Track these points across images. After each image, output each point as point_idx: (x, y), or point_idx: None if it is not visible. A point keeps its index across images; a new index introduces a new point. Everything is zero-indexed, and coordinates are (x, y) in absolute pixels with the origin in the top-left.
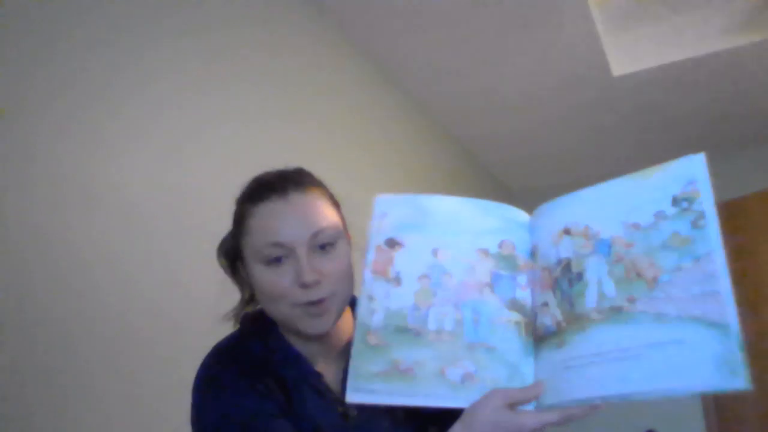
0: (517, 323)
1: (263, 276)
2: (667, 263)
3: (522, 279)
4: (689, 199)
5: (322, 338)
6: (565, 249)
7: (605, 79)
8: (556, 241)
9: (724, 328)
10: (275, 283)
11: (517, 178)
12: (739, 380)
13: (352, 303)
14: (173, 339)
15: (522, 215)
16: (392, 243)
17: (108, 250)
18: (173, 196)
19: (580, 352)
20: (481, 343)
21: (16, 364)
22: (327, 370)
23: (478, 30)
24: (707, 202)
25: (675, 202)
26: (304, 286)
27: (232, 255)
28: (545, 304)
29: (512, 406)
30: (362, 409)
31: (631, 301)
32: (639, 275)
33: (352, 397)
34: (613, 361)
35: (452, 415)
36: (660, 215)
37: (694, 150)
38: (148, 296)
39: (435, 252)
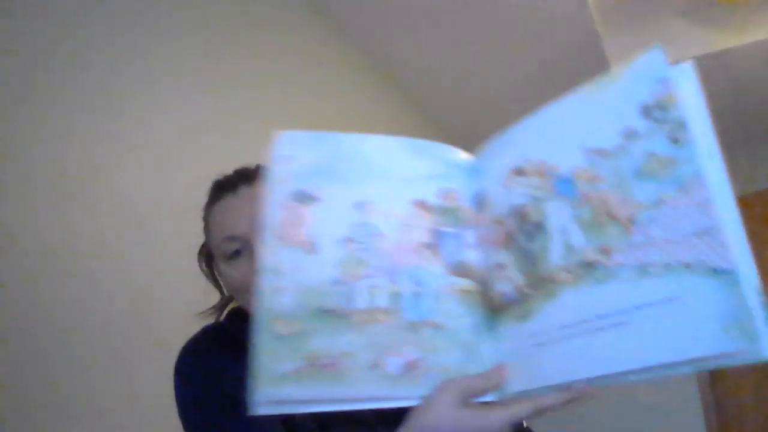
0: (468, 292)
1: (226, 271)
2: (645, 196)
3: (470, 236)
4: (663, 106)
5: None
6: (519, 193)
7: None
8: (507, 185)
9: (729, 276)
10: (236, 276)
11: None
12: (756, 344)
13: None
14: (173, 339)
15: (463, 156)
16: (303, 197)
17: (106, 250)
18: (173, 195)
19: (550, 324)
20: (425, 321)
21: (15, 365)
22: None
23: (477, 31)
24: (688, 106)
25: (645, 112)
26: None
27: (207, 260)
28: (501, 266)
29: (471, 398)
30: None
31: (606, 252)
32: (612, 216)
33: (259, 408)
34: (592, 333)
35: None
36: (629, 133)
37: None
38: (148, 296)
39: (360, 207)
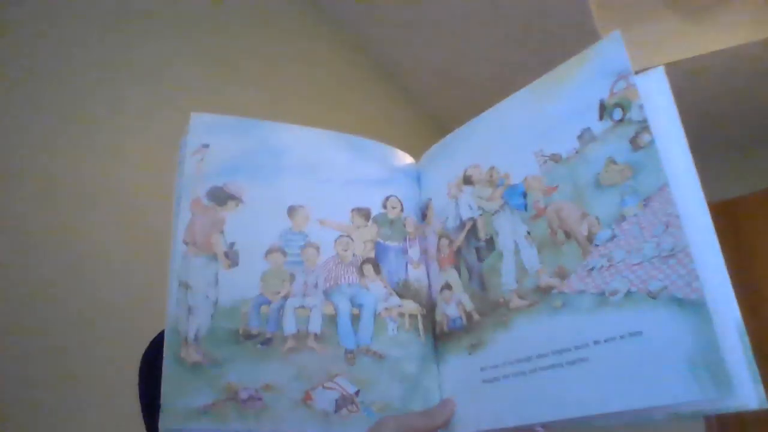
0: (412, 317)
1: None
2: (604, 211)
3: (414, 252)
4: (624, 104)
5: None
6: (467, 205)
7: None
8: (454, 195)
9: (697, 307)
10: None
11: None
12: (730, 391)
13: None
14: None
15: (408, 160)
16: (221, 196)
17: (104, 250)
18: (168, 194)
19: (502, 358)
20: (362, 350)
21: (12, 366)
22: None
23: (477, 32)
24: (656, 111)
25: (603, 110)
26: None
27: None
28: (447, 287)
29: None
30: None
31: (563, 275)
32: (568, 234)
33: None
34: (547, 370)
35: None
36: (586, 135)
37: (694, 151)
38: (147, 297)
39: (291, 212)
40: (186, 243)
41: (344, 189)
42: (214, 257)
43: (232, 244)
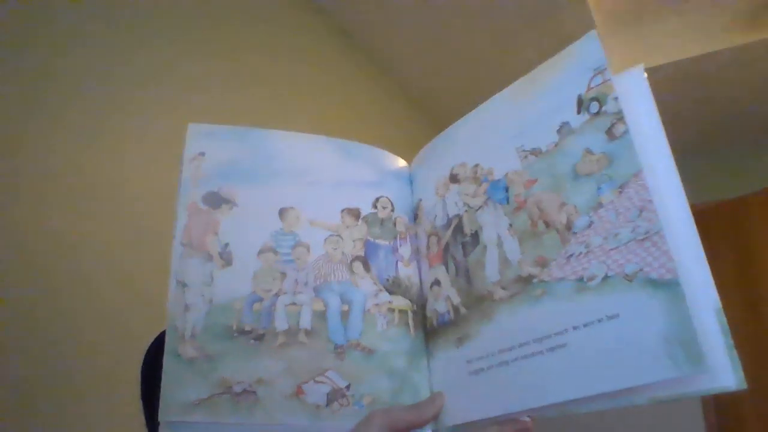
0: (401, 312)
1: None
2: (581, 199)
3: (405, 250)
4: (600, 98)
5: None
6: (454, 203)
7: None
8: (442, 194)
9: (671, 288)
10: None
11: None
12: (704, 369)
13: None
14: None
15: (399, 162)
16: (215, 200)
17: (101, 250)
18: (169, 194)
19: (487, 349)
20: (352, 345)
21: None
22: None
23: (476, 32)
24: (625, 97)
25: (581, 105)
26: None
27: None
28: (436, 283)
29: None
30: None
31: (543, 264)
32: (548, 224)
33: None
34: (529, 358)
35: None
36: (565, 129)
37: (694, 150)
38: (145, 297)
39: (282, 213)
40: (183, 244)
41: (335, 190)
42: (209, 257)
43: (226, 245)
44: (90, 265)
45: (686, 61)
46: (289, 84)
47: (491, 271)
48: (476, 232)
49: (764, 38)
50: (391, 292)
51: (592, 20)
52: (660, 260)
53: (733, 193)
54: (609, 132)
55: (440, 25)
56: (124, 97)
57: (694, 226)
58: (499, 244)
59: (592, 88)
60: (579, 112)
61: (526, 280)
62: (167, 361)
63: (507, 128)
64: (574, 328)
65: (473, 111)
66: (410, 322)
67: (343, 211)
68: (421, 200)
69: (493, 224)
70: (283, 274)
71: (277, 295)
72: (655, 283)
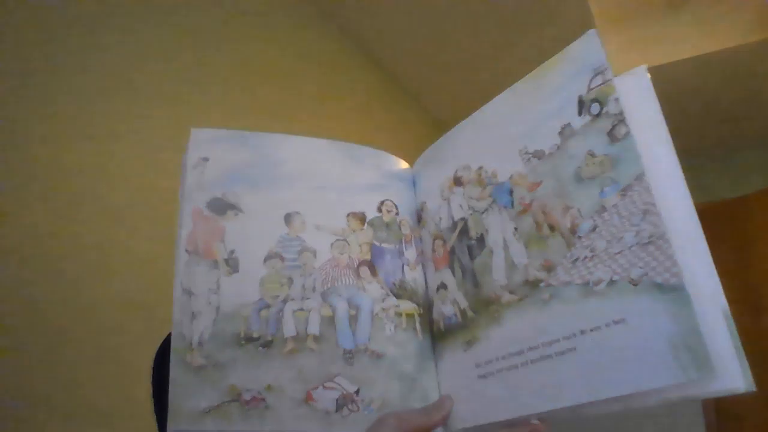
0: (409, 316)
1: None
2: (585, 202)
3: (410, 253)
4: (601, 99)
5: None
6: (458, 206)
7: None
8: (446, 196)
9: (677, 292)
10: None
11: None
12: (711, 373)
13: None
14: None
15: (403, 165)
16: (221, 206)
17: (91, 248)
18: (166, 193)
19: (495, 353)
20: (362, 349)
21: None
22: None
23: (475, 32)
24: (629, 98)
25: (582, 106)
26: None
27: None
28: (443, 287)
29: None
30: None
31: (549, 268)
32: (553, 228)
33: None
34: (537, 362)
35: None
36: (566, 131)
37: (695, 150)
38: (140, 297)
39: (288, 219)
40: (188, 251)
41: (340, 195)
42: (215, 264)
43: (232, 252)
44: (90, 265)
45: (687, 62)
46: (292, 86)
47: (498, 274)
48: (482, 235)
49: (765, 38)
50: (397, 296)
51: (593, 20)
52: (664, 265)
53: (733, 193)
54: (611, 134)
55: (441, 26)
56: (125, 97)
57: (701, 229)
58: (505, 248)
59: (593, 88)
60: (580, 113)
61: (534, 284)
62: (175, 370)
63: (509, 130)
64: (582, 332)
65: (475, 113)
66: (417, 325)
67: (348, 215)
68: (425, 202)
69: (498, 227)
70: (290, 280)
71: (284, 301)
72: (661, 288)
